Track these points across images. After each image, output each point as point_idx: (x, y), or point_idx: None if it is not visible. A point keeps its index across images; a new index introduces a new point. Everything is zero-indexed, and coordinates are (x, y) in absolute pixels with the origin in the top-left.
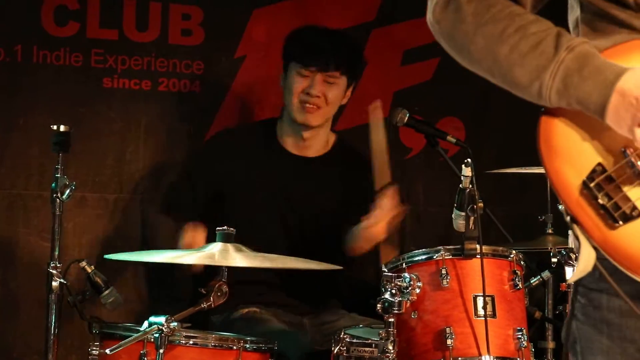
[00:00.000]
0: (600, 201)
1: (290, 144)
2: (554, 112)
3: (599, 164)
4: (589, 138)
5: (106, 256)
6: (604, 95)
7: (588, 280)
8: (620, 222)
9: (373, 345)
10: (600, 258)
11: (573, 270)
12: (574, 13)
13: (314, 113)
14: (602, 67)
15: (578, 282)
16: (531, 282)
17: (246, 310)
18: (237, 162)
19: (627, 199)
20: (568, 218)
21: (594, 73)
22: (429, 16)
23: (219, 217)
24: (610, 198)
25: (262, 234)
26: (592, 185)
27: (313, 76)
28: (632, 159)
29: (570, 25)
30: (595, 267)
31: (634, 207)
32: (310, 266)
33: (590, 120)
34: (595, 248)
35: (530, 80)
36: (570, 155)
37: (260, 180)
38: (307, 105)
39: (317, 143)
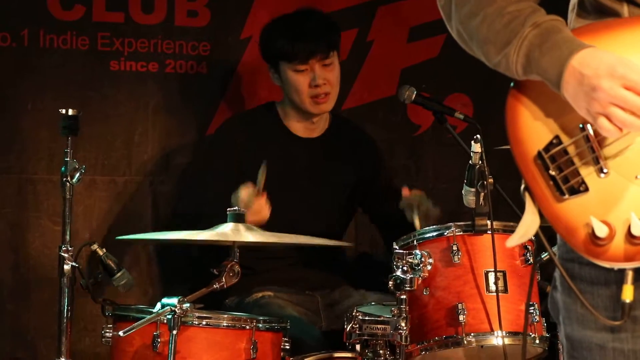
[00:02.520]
0: (551, 172)
1: (298, 128)
2: (521, 86)
3: (557, 137)
4: (550, 112)
5: (118, 237)
6: (558, 72)
7: (562, 251)
8: (567, 195)
9: (385, 322)
10: None
11: None
12: None
13: (327, 101)
14: (560, 43)
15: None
16: (542, 256)
17: (260, 294)
18: (249, 149)
19: (577, 173)
20: (522, 186)
21: (552, 48)
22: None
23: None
24: (561, 170)
25: (283, 217)
26: (546, 156)
27: (311, 67)
28: (588, 135)
29: (569, 7)
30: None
31: (582, 182)
32: (319, 242)
33: (553, 95)
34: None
35: (499, 55)
36: (532, 127)
37: (275, 165)
38: (318, 98)
39: (322, 123)
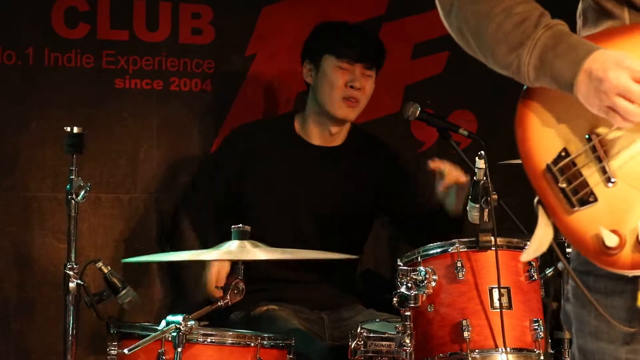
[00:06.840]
0: (560, 185)
1: (315, 137)
2: (530, 97)
3: (564, 149)
4: (558, 124)
5: (124, 260)
6: (573, 72)
7: (576, 263)
8: (577, 207)
9: (390, 339)
10: None
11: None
12: (581, 3)
13: (354, 108)
14: (575, 45)
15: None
16: (546, 272)
17: (265, 307)
18: (257, 157)
19: (585, 184)
20: (536, 199)
21: (567, 50)
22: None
23: (240, 215)
24: (570, 182)
25: (289, 228)
26: (555, 169)
27: (353, 69)
28: (595, 145)
29: (577, 14)
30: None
31: (591, 193)
32: (325, 256)
33: (561, 107)
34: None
35: (510, 56)
36: (540, 140)
37: (283, 174)
38: (349, 100)
39: (341, 134)
